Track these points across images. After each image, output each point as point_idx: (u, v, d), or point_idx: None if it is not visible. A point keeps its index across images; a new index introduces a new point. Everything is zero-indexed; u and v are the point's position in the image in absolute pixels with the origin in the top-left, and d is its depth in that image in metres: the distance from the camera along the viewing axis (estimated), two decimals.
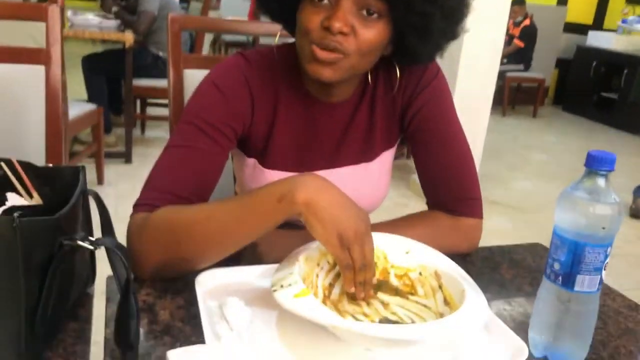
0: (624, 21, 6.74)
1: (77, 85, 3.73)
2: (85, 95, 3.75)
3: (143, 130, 4.32)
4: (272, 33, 1.23)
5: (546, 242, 0.81)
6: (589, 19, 7.31)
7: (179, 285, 0.82)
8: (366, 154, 1.02)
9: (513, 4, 5.76)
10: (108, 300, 0.77)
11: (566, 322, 0.68)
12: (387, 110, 1.00)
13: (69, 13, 3.64)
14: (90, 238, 0.59)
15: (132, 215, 0.85)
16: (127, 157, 3.62)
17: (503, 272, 0.95)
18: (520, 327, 0.76)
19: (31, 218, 0.55)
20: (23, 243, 0.55)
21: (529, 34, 6.03)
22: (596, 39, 6.70)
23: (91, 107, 3.06)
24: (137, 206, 0.85)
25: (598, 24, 7.29)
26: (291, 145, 0.97)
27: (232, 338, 0.67)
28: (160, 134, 4.35)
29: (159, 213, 0.81)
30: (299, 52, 0.87)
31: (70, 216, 0.61)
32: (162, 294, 0.80)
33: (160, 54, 3.73)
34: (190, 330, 0.72)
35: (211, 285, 0.80)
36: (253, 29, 1.41)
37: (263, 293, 0.77)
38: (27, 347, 0.58)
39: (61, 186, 0.72)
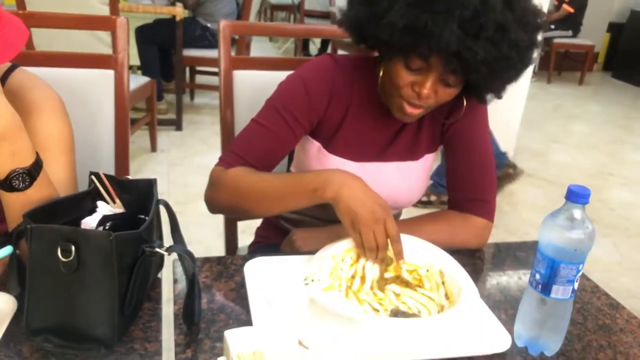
0: None
1: (130, 51, 3.92)
2: (137, 60, 3.96)
3: (192, 97, 4.53)
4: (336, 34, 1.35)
5: None
6: None
7: (231, 270, 1.00)
8: (412, 154, 1.19)
9: None
10: (175, 281, 0.96)
11: (543, 321, 0.83)
12: (433, 119, 1.17)
13: None
14: (165, 245, 0.77)
15: (214, 166, 1.09)
16: (177, 125, 3.84)
17: (506, 268, 1.10)
18: (511, 319, 0.92)
19: (122, 232, 0.73)
20: (116, 251, 0.73)
21: None
22: None
23: (145, 80, 3.26)
24: (220, 160, 1.09)
25: None
26: (353, 138, 1.14)
27: (273, 319, 0.85)
28: (208, 100, 4.55)
29: (232, 171, 1.06)
30: (387, 93, 1.07)
31: (149, 227, 0.79)
32: (218, 276, 0.99)
33: (209, 25, 3.87)
34: (240, 309, 0.90)
35: (258, 271, 0.98)
36: (300, 32, 1.54)
37: (299, 281, 0.94)
38: (119, 324, 0.77)
39: (138, 195, 0.90)
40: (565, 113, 5.26)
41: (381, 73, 1.08)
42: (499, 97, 1.07)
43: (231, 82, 1.43)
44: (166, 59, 4.15)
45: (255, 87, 1.40)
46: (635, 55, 6.55)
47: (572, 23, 6.02)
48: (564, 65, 6.66)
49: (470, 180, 1.16)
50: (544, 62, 6.29)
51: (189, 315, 0.84)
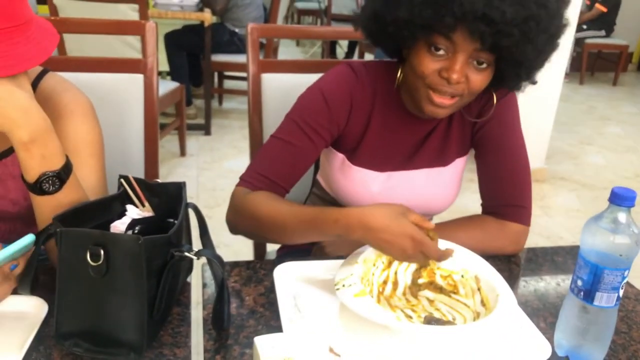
0: None
1: (160, 56, 3.97)
2: (166, 66, 4.00)
3: (220, 101, 4.56)
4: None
5: None
6: None
7: (260, 274, 0.99)
8: (441, 160, 1.15)
9: None
10: (204, 286, 0.95)
11: (586, 330, 0.79)
12: (462, 121, 1.12)
13: None
14: (194, 249, 0.76)
15: (236, 186, 1.06)
16: (206, 130, 3.87)
17: (543, 274, 1.06)
18: (551, 327, 0.88)
19: (151, 237, 0.72)
20: (145, 255, 0.72)
21: None
22: None
23: (174, 85, 3.29)
24: (241, 180, 1.06)
25: None
26: (378, 147, 1.11)
27: (303, 325, 0.84)
28: (236, 105, 4.58)
29: (254, 198, 1.01)
30: (412, 89, 1.00)
31: (178, 231, 0.78)
32: (247, 281, 0.97)
33: (237, 30, 3.89)
34: (270, 315, 0.89)
35: (287, 276, 0.96)
36: (327, 34, 1.53)
37: (329, 286, 0.92)
38: (148, 328, 0.76)
39: (167, 198, 0.89)
40: (598, 114, 5.14)
41: (400, 75, 1.05)
42: (533, 80, 1.01)
43: (259, 85, 1.43)
44: (195, 64, 4.19)
45: (283, 90, 1.39)
46: None
47: (605, 23, 5.88)
48: (596, 66, 6.51)
49: (504, 185, 1.11)
50: (576, 63, 6.16)
51: (218, 320, 0.83)
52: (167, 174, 3.21)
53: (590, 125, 4.79)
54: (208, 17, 3.54)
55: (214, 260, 0.76)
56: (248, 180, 1.05)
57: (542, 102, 3.35)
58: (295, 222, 0.95)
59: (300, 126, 1.05)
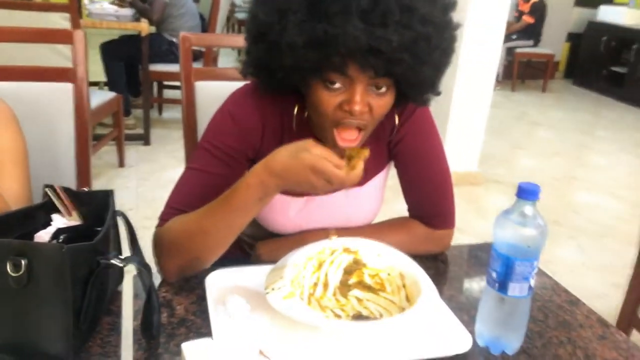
0: None
1: (96, 67, 3.89)
2: (104, 76, 3.91)
3: (160, 111, 4.50)
4: None
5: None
6: None
7: (192, 283, 0.99)
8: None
9: None
10: (135, 296, 0.94)
11: (503, 319, 0.84)
12: (376, 139, 1.07)
13: (85, 1, 3.78)
14: (120, 257, 0.76)
15: (155, 229, 1.00)
16: (145, 140, 3.81)
17: (468, 270, 1.11)
18: (474, 319, 0.92)
19: (74, 245, 0.72)
20: (69, 264, 0.71)
21: (539, 10, 6.06)
22: (607, 13, 6.68)
23: (111, 95, 3.24)
24: (159, 221, 1.01)
25: None
26: None
27: (233, 330, 0.85)
28: (176, 115, 4.52)
29: (166, 226, 0.97)
30: (319, 128, 0.97)
31: (104, 239, 0.78)
32: (178, 290, 0.97)
33: (175, 40, 3.86)
34: (201, 322, 0.89)
35: (218, 284, 0.97)
36: None
37: (261, 291, 0.93)
38: (74, 339, 0.75)
39: (95, 206, 0.89)
40: (529, 120, 5.38)
41: (302, 112, 1.01)
42: (436, 92, 0.99)
43: (193, 93, 1.43)
44: (133, 74, 4.12)
45: (217, 98, 1.38)
46: (593, 63, 6.76)
47: (533, 33, 6.19)
48: (527, 74, 6.82)
49: (426, 195, 1.12)
50: (507, 71, 6.43)
51: (147, 329, 0.83)
52: (105, 186, 3.08)
53: (522, 130, 5.01)
54: (145, 27, 3.50)
55: (142, 268, 0.76)
56: (165, 219, 0.99)
57: (474, 109, 3.48)
58: (213, 215, 0.92)
59: (212, 152, 1.01)
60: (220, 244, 0.96)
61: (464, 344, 0.85)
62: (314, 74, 0.90)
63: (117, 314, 0.90)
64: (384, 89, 0.91)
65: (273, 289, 0.86)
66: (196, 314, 0.91)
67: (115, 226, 0.87)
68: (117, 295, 0.93)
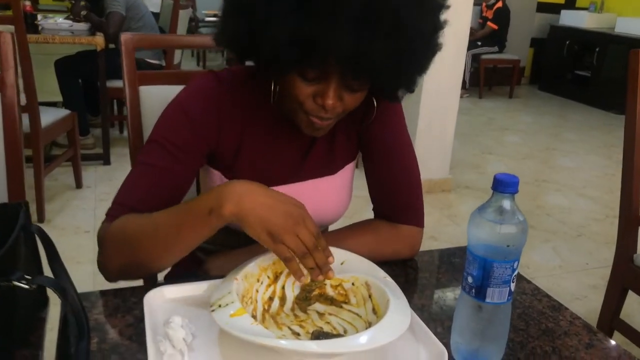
0: None
1: (53, 84, 3.73)
2: (60, 96, 3.75)
3: (121, 130, 4.33)
4: None
5: None
6: None
7: (130, 303, 0.87)
8: (328, 168, 1.07)
9: None
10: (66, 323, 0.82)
11: (481, 330, 0.74)
12: (346, 126, 1.05)
13: (39, 17, 3.63)
14: (27, 277, 0.64)
15: (100, 225, 0.92)
16: (105, 159, 3.64)
17: (441, 276, 1.01)
18: (449, 331, 0.82)
19: None
20: None
21: (502, 16, 6.09)
22: (569, 18, 6.78)
23: (64, 112, 3.07)
24: (106, 216, 0.92)
25: (570, 2, 7.34)
26: (258, 162, 1.02)
27: (173, 356, 0.73)
28: None
29: (115, 224, 0.89)
30: (290, 111, 0.93)
31: (8, 257, 0.66)
32: (113, 312, 0.85)
33: None
34: (137, 347, 0.77)
35: (159, 302, 0.85)
36: (204, 43, 1.45)
37: (207, 309, 0.82)
38: None
39: (4, 223, 0.76)
40: (497, 125, 5.37)
41: (275, 87, 0.95)
42: (411, 90, 0.95)
43: (137, 98, 1.32)
44: (92, 92, 3.96)
45: (163, 102, 1.28)
46: (557, 67, 6.83)
47: (498, 39, 6.21)
48: (493, 80, 6.85)
49: (394, 187, 1.06)
50: (474, 78, 6.45)
51: None
52: (61, 208, 2.97)
53: (491, 135, 4.99)
54: (100, 41, 3.36)
55: (53, 289, 0.64)
56: (112, 215, 0.91)
57: (443, 116, 3.42)
58: (164, 223, 0.84)
59: (163, 145, 0.93)
60: (171, 253, 0.86)
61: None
62: (291, 66, 0.84)
63: (38, 345, 0.77)
64: (358, 88, 0.88)
65: (220, 306, 0.75)
66: (132, 337, 0.79)
67: (30, 243, 0.74)
68: (40, 323, 0.81)
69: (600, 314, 1.85)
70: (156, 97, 1.30)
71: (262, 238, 0.78)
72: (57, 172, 3.27)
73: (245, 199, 0.78)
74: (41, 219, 2.80)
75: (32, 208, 2.85)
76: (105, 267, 0.90)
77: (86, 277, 2.23)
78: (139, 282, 0.97)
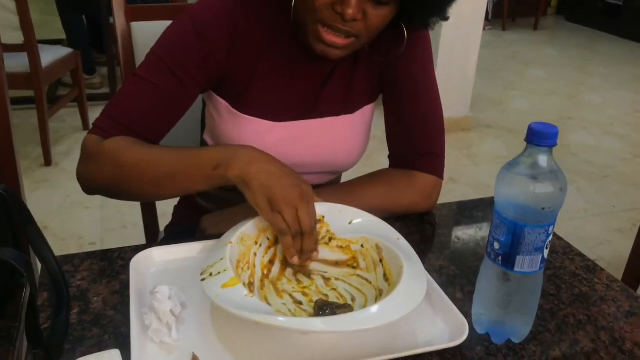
0: None
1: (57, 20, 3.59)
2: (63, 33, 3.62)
3: None
4: None
5: None
6: None
7: (117, 266, 0.80)
8: (347, 107, 0.97)
9: None
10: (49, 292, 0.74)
11: (507, 301, 0.65)
12: (368, 61, 0.95)
13: None
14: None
15: (87, 135, 0.85)
16: None
17: (461, 234, 0.91)
18: (470, 298, 0.73)
19: None
20: None
21: None
22: None
23: (66, 51, 2.95)
24: (94, 127, 0.85)
25: None
26: (271, 92, 0.92)
27: (159, 330, 0.65)
28: None
29: (112, 144, 0.82)
30: (301, 24, 0.82)
31: None
32: (98, 277, 0.78)
33: None
34: (121, 319, 0.69)
35: (148, 267, 0.78)
36: None
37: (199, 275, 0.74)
38: None
39: None
40: (521, 59, 5.12)
41: (293, 3, 0.83)
42: (444, 17, 0.84)
43: (129, 35, 1.20)
44: (98, 28, 3.81)
45: (156, 38, 1.17)
46: None
47: None
48: (518, 12, 6.50)
49: (415, 130, 0.95)
50: (497, 10, 6.12)
51: (33, 336, 0.63)
52: (68, 151, 2.90)
53: (514, 70, 4.76)
54: None
55: (13, 264, 0.55)
56: (102, 127, 0.84)
57: (464, 50, 3.23)
58: (168, 164, 0.79)
59: (167, 64, 0.84)
60: (162, 194, 0.83)
61: (458, 334, 0.65)
62: None
63: (14, 317, 0.70)
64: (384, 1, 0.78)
65: (211, 274, 0.67)
66: (117, 307, 0.72)
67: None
68: (16, 293, 0.73)
69: (629, 260, 1.75)
70: (150, 35, 1.18)
71: (260, 205, 0.72)
72: (64, 113, 3.18)
73: (254, 164, 0.73)
74: (48, 162, 2.74)
75: (38, 151, 2.79)
76: (87, 181, 0.85)
77: (95, 223, 2.18)
78: (129, 242, 0.89)
